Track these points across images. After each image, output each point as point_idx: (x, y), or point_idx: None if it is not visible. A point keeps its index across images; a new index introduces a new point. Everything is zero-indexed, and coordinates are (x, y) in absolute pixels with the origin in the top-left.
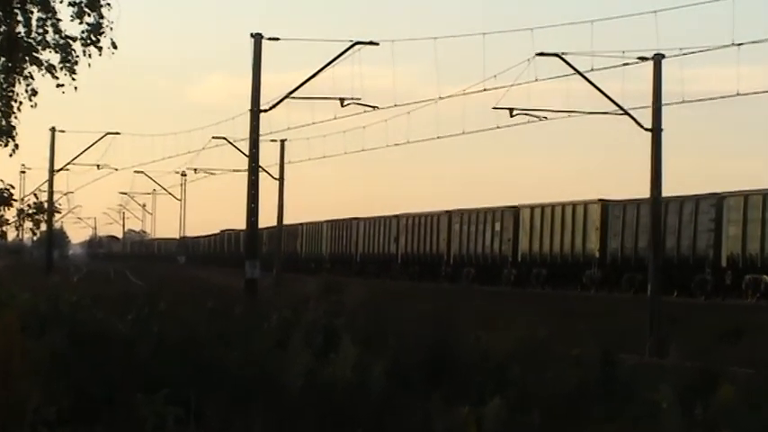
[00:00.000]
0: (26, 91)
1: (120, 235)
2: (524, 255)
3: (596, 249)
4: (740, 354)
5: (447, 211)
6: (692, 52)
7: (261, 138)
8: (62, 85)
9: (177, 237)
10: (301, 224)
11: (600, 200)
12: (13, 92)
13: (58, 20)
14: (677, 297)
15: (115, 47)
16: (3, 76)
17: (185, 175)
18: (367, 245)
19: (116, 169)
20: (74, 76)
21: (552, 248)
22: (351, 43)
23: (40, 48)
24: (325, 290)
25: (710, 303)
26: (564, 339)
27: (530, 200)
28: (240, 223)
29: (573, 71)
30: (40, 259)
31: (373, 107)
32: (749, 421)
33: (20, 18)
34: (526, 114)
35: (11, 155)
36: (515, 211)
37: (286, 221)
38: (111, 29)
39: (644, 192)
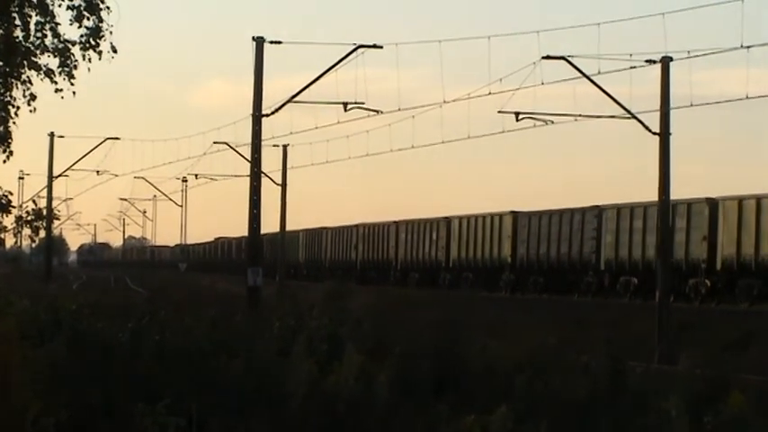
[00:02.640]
0: (24, 96)
1: (117, 242)
2: (455, 261)
3: (509, 255)
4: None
5: (395, 222)
6: (701, 55)
7: (263, 143)
8: (61, 90)
9: (171, 244)
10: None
11: (511, 211)
12: (10, 97)
13: (57, 24)
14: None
15: (115, 51)
16: (0, 80)
17: (186, 181)
18: (334, 252)
19: (116, 175)
20: (72, 80)
21: (476, 255)
22: (354, 46)
23: (38, 52)
24: (329, 297)
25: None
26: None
27: (533, 206)
28: (243, 230)
29: (579, 74)
30: (39, 267)
31: (377, 111)
32: (759, 429)
33: (18, 22)
34: (532, 118)
35: (5, 161)
36: (448, 221)
37: (288, 228)
38: (111, 33)
39: (653, 196)
